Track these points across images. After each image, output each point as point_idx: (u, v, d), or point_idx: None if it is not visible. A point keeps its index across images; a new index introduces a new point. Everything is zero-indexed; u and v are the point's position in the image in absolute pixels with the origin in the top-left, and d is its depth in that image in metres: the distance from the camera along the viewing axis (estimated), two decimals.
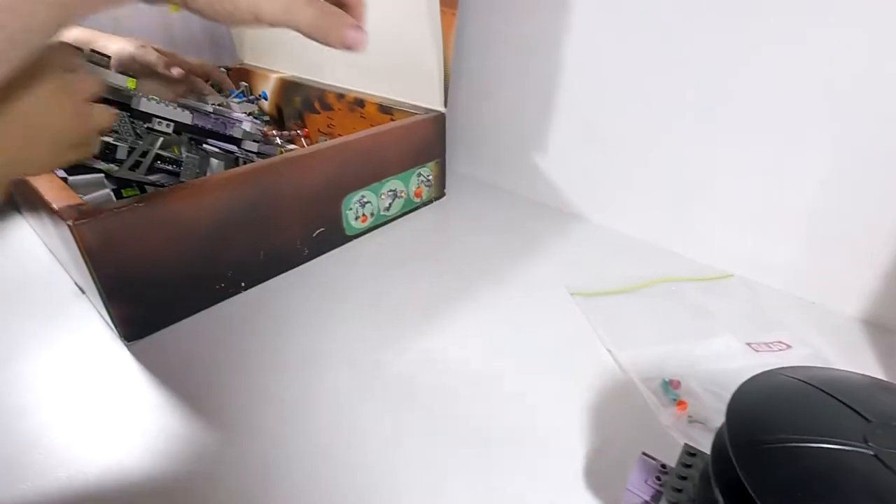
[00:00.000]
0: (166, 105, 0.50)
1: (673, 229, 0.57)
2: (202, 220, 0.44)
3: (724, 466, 0.22)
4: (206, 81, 0.66)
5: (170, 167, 0.51)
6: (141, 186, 0.51)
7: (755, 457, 0.20)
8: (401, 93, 0.66)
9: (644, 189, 0.58)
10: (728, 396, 0.24)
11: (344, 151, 0.54)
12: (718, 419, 0.35)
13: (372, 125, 0.60)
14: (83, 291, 0.49)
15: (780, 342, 0.43)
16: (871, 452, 0.19)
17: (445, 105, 0.63)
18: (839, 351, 0.43)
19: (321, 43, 0.32)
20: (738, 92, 0.48)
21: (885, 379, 0.31)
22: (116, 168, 0.49)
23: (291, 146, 0.70)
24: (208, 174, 0.53)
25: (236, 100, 0.67)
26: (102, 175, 0.50)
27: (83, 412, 0.37)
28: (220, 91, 0.68)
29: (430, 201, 0.68)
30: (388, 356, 0.42)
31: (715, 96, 0.49)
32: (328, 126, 0.74)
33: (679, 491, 0.26)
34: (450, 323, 0.46)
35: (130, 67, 0.57)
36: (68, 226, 0.37)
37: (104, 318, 0.45)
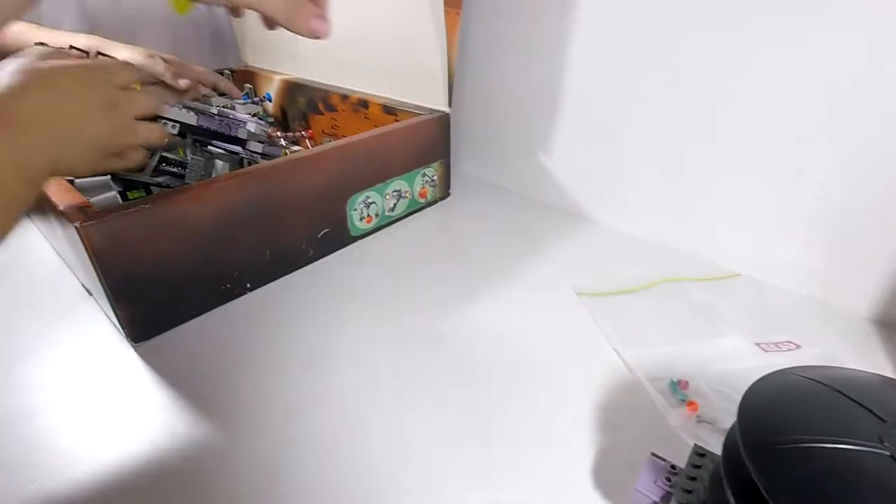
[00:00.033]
0: (171, 107, 0.50)
1: (679, 229, 0.57)
2: (207, 221, 0.44)
3: (735, 467, 0.21)
4: (214, 90, 0.66)
5: (175, 169, 0.51)
6: (146, 188, 0.51)
7: (768, 457, 0.20)
8: (405, 93, 0.66)
9: (650, 189, 0.58)
10: (737, 397, 0.23)
11: (348, 152, 0.54)
12: (727, 419, 0.35)
13: (376, 126, 0.60)
14: (90, 293, 0.49)
15: (789, 342, 0.43)
16: (888, 453, 0.19)
17: (450, 105, 0.63)
18: (849, 350, 0.43)
19: (288, 29, 0.35)
20: (739, 92, 0.48)
21: None
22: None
23: (296, 147, 0.71)
24: (213, 175, 0.53)
25: (241, 101, 0.68)
26: (108, 177, 0.50)
27: (91, 413, 0.37)
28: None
29: (435, 202, 0.68)
30: (393, 356, 0.42)
31: (719, 97, 0.49)
32: (332, 127, 0.74)
33: (689, 492, 0.25)
34: (455, 323, 0.46)
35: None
36: (75, 228, 0.37)
37: (111, 320, 0.45)
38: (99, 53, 0.48)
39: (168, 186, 0.51)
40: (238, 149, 0.57)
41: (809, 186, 0.47)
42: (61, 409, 0.37)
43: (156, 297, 0.43)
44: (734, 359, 0.41)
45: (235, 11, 0.38)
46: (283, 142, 0.71)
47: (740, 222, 0.52)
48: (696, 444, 0.28)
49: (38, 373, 0.41)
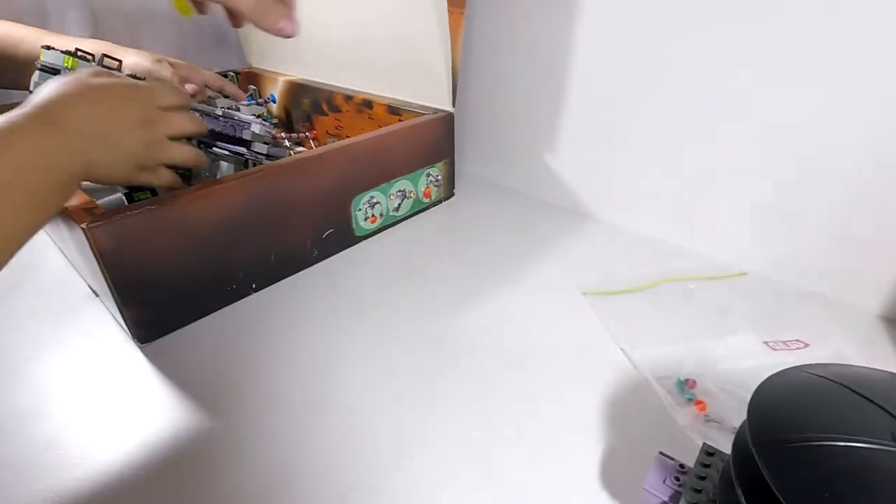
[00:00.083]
0: None
1: (685, 228, 0.57)
2: (213, 222, 0.44)
3: (746, 466, 0.21)
4: (220, 94, 0.66)
5: (180, 170, 0.51)
6: (152, 190, 0.51)
7: (779, 456, 0.19)
8: (409, 93, 0.66)
9: (656, 188, 0.58)
10: (745, 396, 0.23)
11: (352, 152, 0.54)
12: (736, 418, 0.35)
13: (380, 126, 0.60)
14: (97, 294, 0.49)
15: (797, 340, 0.42)
16: None
17: (454, 105, 0.63)
18: (859, 348, 0.42)
19: (257, 26, 0.37)
20: (741, 92, 0.48)
21: None
22: None
23: (300, 148, 0.71)
24: (218, 177, 0.53)
25: (245, 103, 0.68)
26: None
27: (98, 414, 0.37)
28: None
29: (440, 202, 0.68)
30: (399, 356, 0.42)
31: (724, 95, 0.49)
32: (336, 128, 0.74)
33: (699, 491, 0.25)
34: (461, 324, 0.46)
35: None
36: (82, 229, 0.37)
37: (118, 321, 0.45)
38: (105, 56, 0.48)
39: (173, 188, 0.51)
40: (243, 150, 0.57)
41: (817, 183, 0.46)
42: (68, 409, 0.38)
43: (162, 297, 0.43)
44: (742, 357, 0.41)
45: (234, 19, 0.38)
46: (287, 143, 0.71)
47: (747, 221, 0.52)
48: (705, 443, 0.28)
49: (45, 373, 0.41)
